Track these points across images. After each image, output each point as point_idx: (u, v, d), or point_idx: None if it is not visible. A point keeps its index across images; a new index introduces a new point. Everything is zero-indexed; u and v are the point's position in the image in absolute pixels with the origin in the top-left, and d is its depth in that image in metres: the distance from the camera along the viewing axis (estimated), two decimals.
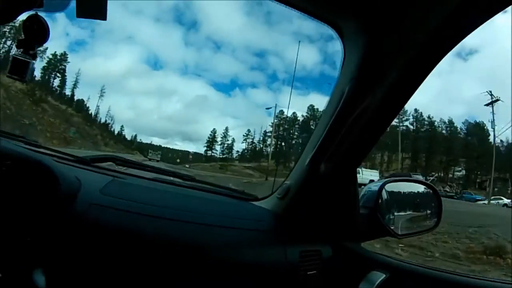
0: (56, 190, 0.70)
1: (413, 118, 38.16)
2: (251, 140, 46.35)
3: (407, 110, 37.07)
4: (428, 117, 38.27)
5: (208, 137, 47.66)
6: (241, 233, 0.77)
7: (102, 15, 0.77)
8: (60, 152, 0.93)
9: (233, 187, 1.02)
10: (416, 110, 37.97)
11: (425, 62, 0.67)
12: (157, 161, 27.10)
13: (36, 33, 0.84)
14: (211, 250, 0.73)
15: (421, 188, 0.98)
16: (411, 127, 38.60)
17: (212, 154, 46.35)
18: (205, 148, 47.23)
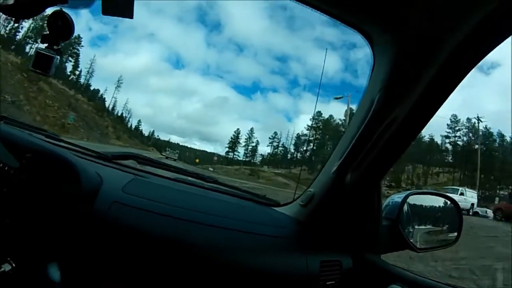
0: (78, 186, 0.70)
1: (466, 128, 35.55)
2: (276, 143, 44.62)
3: (459, 119, 35.00)
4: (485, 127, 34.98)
5: (231, 138, 46.31)
6: (262, 239, 0.76)
7: (129, 13, 0.76)
8: (81, 147, 0.92)
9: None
10: (468, 120, 35.43)
11: (454, 73, 0.65)
12: (175, 159, 26.13)
13: (61, 29, 0.83)
14: (231, 255, 0.72)
15: (443, 202, 0.95)
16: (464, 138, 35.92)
17: (234, 156, 45.26)
18: (227, 150, 45.93)
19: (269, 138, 45.78)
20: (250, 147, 46.09)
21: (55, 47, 0.84)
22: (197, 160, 41.26)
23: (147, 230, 0.68)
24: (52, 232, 0.71)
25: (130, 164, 0.90)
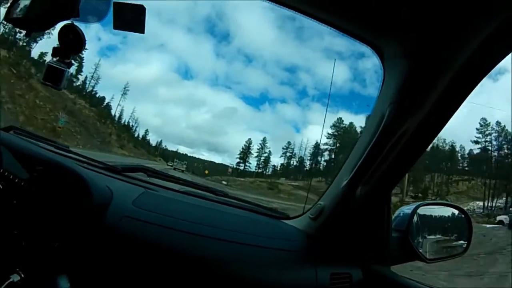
0: (89, 200, 0.70)
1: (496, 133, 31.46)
2: (290, 154, 41.00)
3: (489, 122, 31.78)
4: None
5: (243, 148, 42.88)
6: (272, 253, 0.76)
7: (141, 29, 0.77)
8: (91, 159, 0.93)
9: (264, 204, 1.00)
10: (498, 124, 31.55)
11: (464, 85, 0.65)
12: (182, 171, 25.18)
13: (72, 42, 0.84)
14: (241, 269, 0.72)
15: (452, 212, 0.95)
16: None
17: (246, 167, 41.90)
18: (238, 160, 42.62)
19: (283, 148, 42.59)
20: (262, 158, 42.72)
21: (66, 60, 0.85)
22: (206, 172, 38.86)
23: (157, 244, 0.69)
24: (62, 244, 0.71)
25: (139, 176, 0.91)
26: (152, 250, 0.68)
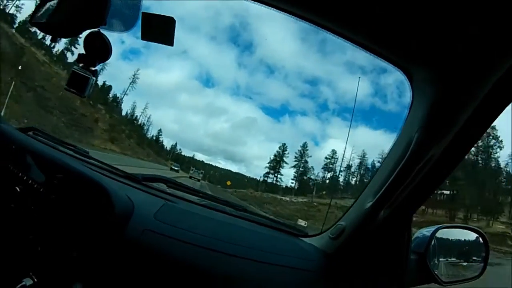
0: (111, 211, 0.70)
1: None
2: (331, 167, 33.85)
3: None
4: None
5: (275, 155, 35.40)
6: (291, 272, 0.75)
7: (169, 41, 0.77)
8: (110, 166, 0.93)
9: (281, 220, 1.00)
10: None
11: (490, 111, 0.65)
12: (198, 180, 23.66)
13: (98, 50, 0.84)
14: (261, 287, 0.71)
15: (471, 235, 0.94)
16: None
17: (277, 180, 34.67)
18: (267, 171, 35.17)
19: (325, 158, 34.76)
20: (301, 168, 34.65)
21: (91, 68, 0.84)
22: (228, 183, 33.19)
23: (178, 260, 0.69)
24: (79, 253, 0.71)
25: (159, 187, 0.91)
26: (172, 265, 0.68)
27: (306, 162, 35.27)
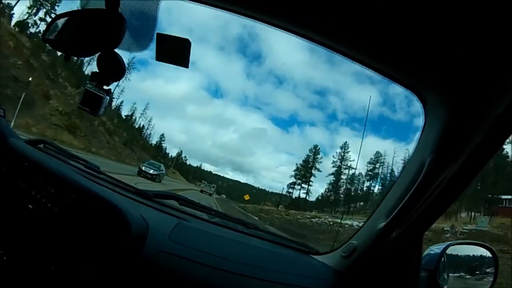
0: (127, 233, 0.70)
1: None
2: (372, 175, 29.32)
3: None
4: None
5: (305, 161, 30.44)
6: None
7: (184, 63, 0.77)
8: (121, 182, 0.93)
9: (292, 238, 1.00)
10: None
11: (502, 132, 0.66)
12: (210, 194, 22.01)
13: (112, 69, 0.84)
14: None
15: (480, 251, 0.95)
16: None
17: (309, 192, 29.50)
18: (292, 181, 30.18)
19: (368, 162, 29.71)
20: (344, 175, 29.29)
21: (104, 87, 0.85)
22: (246, 197, 28.09)
23: (192, 281, 0.69)
24: (92, 273, 0.71)
25: (171, 204, 0.91)
26: (186, 286, 0.69)
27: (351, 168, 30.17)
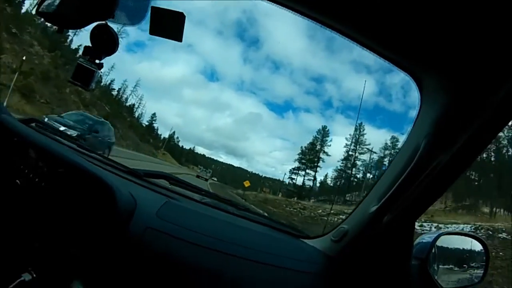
0: (114, 208, 0.69)
1: None
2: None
3: None
4: None
5: (312, 143, 27.94)
6: (293, 274, 0.75)
7: (178, 37, 0.75)
8: (112, 160, 0.92)
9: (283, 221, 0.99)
10: None
11: (499, 119, 0.65)
12: (206, 179, 21.35)
13: (105, 43, 0.82)
14: None
15: (471, 242, 0.94)
16: None
17: (305, 178, 27.14)
18: (297, 165, 27.59)
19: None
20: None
21: (97, 61, 0.83)
22: (246, 184, 24.79)
23: (179, 259, 0.68)
24: (80, 250, 0.70)
25: (161, 183, 0.90)
26: (173, 264, 0.68)
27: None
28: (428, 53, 0.63)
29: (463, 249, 0.95)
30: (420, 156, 0.67)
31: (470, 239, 0.95)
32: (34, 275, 0.76)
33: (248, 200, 18.70)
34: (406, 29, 0.60)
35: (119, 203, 0.69)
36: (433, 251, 0.88)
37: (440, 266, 0.93)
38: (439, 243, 0.90)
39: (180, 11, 0.74)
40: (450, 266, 0.95)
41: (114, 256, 0.68)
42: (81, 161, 0.80)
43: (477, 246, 0.95)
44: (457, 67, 0.61)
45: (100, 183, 0.72)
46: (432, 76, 0.66)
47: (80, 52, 0.84)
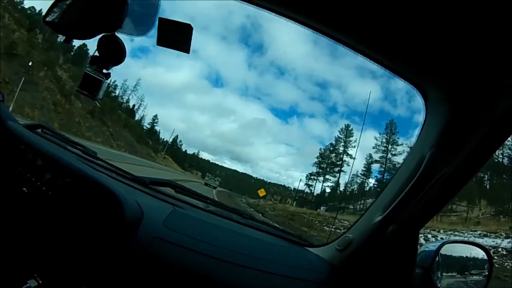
0: (121, 218, 0.70)
1: None
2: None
3: None
4: None
5: (334, 145, 24.96)
6: (297, 283, 0.75)
7: (186, 48, 0.76)
8: (118, 168, 0.93)
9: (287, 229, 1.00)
10: None
11: (503, 130, 0.65)
12: (214, 187, 20.43)
13: (112, 53, 0.83)
14: None
15: (475, 250, 0.94)
16: None
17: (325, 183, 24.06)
18: (316, 170, 24.75)
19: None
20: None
21: (104, 70, 0.84)
22: (261, 193, 22.64)
23: (186, 268, 0.69)
24: (86, 257, 0.71)
25: (166, 191, 0.90)
26: (179, 274, 0.68)
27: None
28: (432, 65, 0.63)
29: (467, 257, 0.95)
30: (425, 167, 0.68)
31: (473, 247, 0.95)
32: (40, 282, 0.77)
33: (266, 214, 16.12)
34: (409, 41, 0.61)
35: (127, 212, 0.70)
36: (436, 259, 0.89)
37: (443, 274, 0.93)
38: (443, 251, 0.90)
39: (188, 22, 0.75)
40: (454, 274, 0.95)
41: (120, 265, 0.69)
42: (87, 169, 0.81)
43: (481, 255, 0.95)
44: (461, 78, 0.61)
45: (107, 193, 0.73)
46: (437, 87, 0.67)
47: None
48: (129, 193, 0.81)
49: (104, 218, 0.72)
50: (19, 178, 0.88)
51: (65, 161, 0.82)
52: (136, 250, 0.68)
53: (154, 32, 0.79)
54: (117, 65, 0.84)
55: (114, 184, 0.79)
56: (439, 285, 0.90)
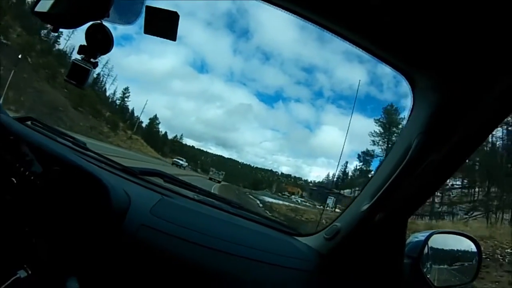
0: (108, 206, 0.70)
1: None
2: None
3: None
4: None
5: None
6: (286, 271, 0.76)
7: (172, 36, 0.76)
8: (107, 158, 0.93)
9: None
10: None
11: (492, 119, 0.65)
12: (219, 182, 20.25)
13: (99, 42, 0.83)
14: (254, 287, 0.72)
15: (463, 241, 0.95)
16: None
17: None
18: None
19: None
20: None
21: (92, 59, 0.84)
22: (291, 189, 22.04)
23: (173, 256, 0.69)
24: (75, 247, 0.71)
25: (155, 181, 0.91)
26: (167, 261, 0.68)
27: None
28: (420, 53, 0.63)
29: (456, 247, 0.96)
30: (412, 155, 0.68)
31: (462, 238, 0.96)
32: (30, 272, 0.77)
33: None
34: (397, 28, 0.60)
35: (113, 200, 0.70)
36: (425, 249, 0.89)
37: (432, 265, 0.94)
38: (431, 242, 0.90)
39: (174, 10, 0.75)
40: (443, 264, 0.96)
41: (109, 253, 0.69)
42: (75, 159, 0.81)
43: (470, 245, 0.95)
44: (449, 66, 0.61)
45: (95, 181, 0.73)
46: (424, 75, 0.66)
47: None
48: (118, 182, 0.81)
49: (92, 206, 0.72)
50: (8, 168, 0.88)
51: (53, 150, 0.82)
52: (123, 237, 0.68)
53: (139, 18, 0.78)
54: (105, 54, 0.84)
55: (103, 174, 0.78)
56: (428, 275, 0.90)
